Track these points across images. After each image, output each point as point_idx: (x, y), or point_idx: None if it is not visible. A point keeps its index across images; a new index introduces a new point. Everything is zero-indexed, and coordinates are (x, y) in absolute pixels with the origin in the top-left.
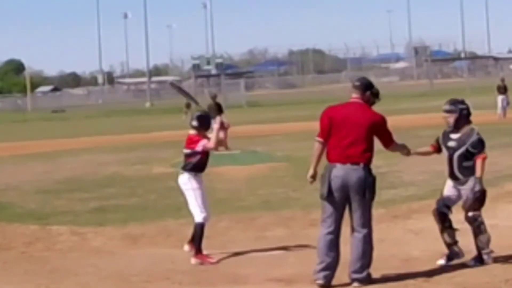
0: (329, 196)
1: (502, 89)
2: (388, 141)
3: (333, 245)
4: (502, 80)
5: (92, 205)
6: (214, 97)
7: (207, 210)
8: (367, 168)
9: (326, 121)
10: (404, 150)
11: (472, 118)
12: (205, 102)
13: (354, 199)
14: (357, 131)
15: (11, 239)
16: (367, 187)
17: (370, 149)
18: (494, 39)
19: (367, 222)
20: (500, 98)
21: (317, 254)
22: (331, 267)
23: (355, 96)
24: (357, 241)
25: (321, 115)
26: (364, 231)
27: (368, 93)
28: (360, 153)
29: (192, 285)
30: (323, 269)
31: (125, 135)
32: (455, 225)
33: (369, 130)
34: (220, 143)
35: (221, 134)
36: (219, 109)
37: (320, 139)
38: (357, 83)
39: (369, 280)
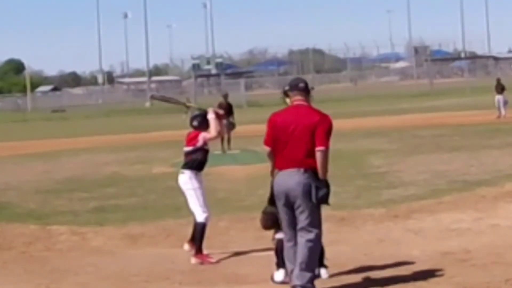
0: (275, 203)
1: (499, 89)
2: (319, 141)
3: (294, 250)
4: (498, 80)
5: (92, 205)
6: (225, 96)
7: (209, 210)
8: (309, 172)
9: (270, 128)
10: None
11: (472, 118)
12: (205, 102)
13: (298, 203)
14: (299, 136)
15: (11, 239)
16: (309, 191)
17: (315, 154)
18: (494, 39)
19: (313, 226)
20: (497, 98)
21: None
22: None
23: (298, 98)
24: (301, 245)
25: (267, 122)
26: (308, 236)
27: (309, 92)
28: (301, 158)
29: (192, 285)
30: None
31: (125, 135)
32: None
33: (313, 132)
34: (219, 133)
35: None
36: (229, 109)
37: (266, 147)
38: (302, 85)
39: (312, 285)
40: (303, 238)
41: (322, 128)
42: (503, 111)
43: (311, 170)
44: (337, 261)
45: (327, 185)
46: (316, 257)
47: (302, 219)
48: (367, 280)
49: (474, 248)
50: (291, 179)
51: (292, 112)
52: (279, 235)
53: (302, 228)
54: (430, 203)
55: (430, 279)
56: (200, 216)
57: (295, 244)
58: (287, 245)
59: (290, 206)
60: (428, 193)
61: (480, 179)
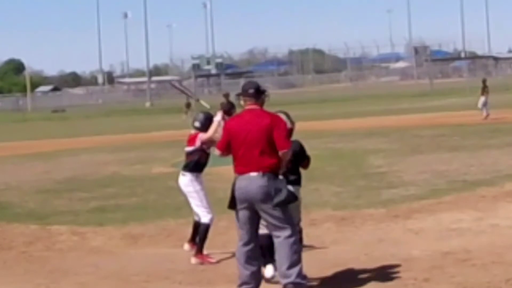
0: (235, 208)
1: (486, 90)
2: (281, 144)
3: (250, 256)
4: (484, 81)
5: (92, 205)
6: (227, 96)
7: (212, 211)
8: (269, 175)
9: (225, 133)
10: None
11: (472, 118)
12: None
13: (263, 207)
14: (253, 139)
15: (11, 239)
16: (272, 194)
17: (270, 155)
18: (494, 39)
19: (286, 223)
20: (483, 98)
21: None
22: (251, 279)
23: (249, 103)
24: (279, 245)
25: (223, 127)
26: (284, 233)
27: (260, 96)
28: (258, 162)
29: (192, 284)
30: (243, 283)
31: (125, 135)
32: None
33: (266, 135)
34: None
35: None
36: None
37: (218, 151)
38: (251, 91)
39: (305, 283)
40: (280, 237)
41: (280, 130)
42: (483, 111)
43: (270, 173)
44: (337, 261)
45: (285, 187)
46: (298, 251)
47: (270, 221)
48: (367, 280)
49: (474, 248)
50: (251, 184)
51: (244, 117)
52: (262, 231)
53: (275, 229)
54: (430, 203)
55: (430, 279)
56: (205, 217)
57: (252, 248)
58: (243, 249)
59: (252, 210)
60: (428, 193)
61: (480, 179)
